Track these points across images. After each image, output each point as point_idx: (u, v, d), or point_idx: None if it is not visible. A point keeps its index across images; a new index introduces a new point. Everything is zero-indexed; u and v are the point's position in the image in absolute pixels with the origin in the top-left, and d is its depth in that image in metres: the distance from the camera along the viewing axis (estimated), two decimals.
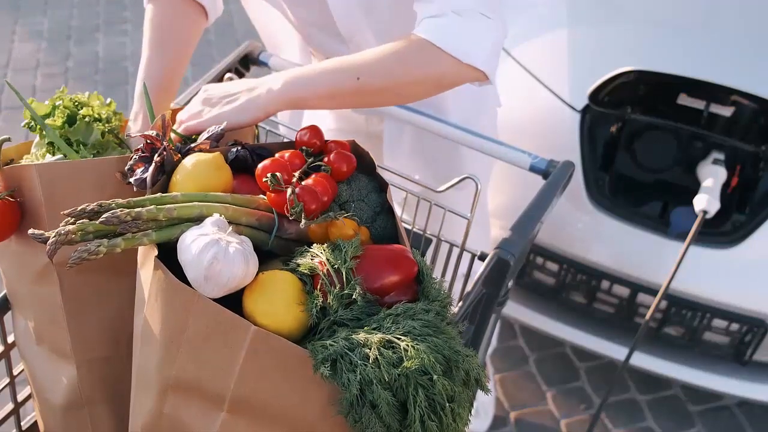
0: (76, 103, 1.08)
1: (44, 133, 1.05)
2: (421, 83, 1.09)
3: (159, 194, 0.86)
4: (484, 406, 2.11)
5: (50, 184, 0.95)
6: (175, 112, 1.17)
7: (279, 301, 0.80)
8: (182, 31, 1.24)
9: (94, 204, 0.82)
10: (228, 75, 1.35)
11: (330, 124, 1.61)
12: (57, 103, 1.07)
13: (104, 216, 0.79)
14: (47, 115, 1.07)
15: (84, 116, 1.06)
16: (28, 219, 0.98)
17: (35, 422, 1.19)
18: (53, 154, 1.04)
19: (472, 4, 1.06)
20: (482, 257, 1.17)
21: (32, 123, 1.06)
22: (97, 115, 1.07)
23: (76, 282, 1.00)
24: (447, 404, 0.76)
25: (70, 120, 1.05)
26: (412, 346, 0.76)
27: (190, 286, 0.78)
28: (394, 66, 1.06)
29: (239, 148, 0.99)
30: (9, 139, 0.97)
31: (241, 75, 1.44)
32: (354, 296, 0.80)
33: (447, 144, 1.35)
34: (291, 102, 1.04)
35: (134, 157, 0.94)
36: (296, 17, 1.33)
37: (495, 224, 1.88)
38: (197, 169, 0.91)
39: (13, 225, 0.98)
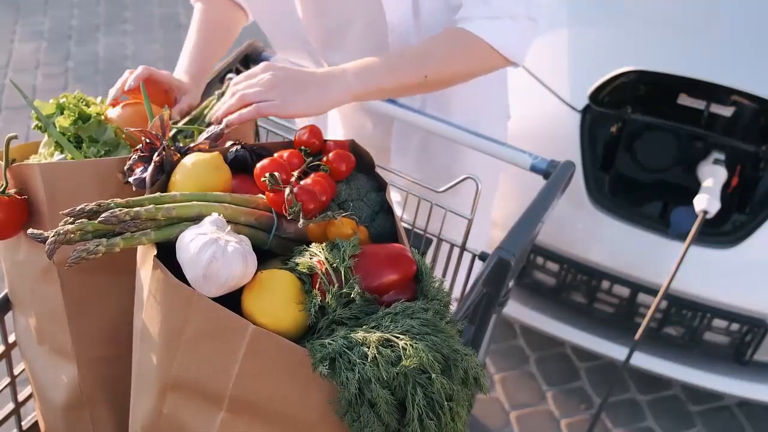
0: (82, 101, 1.08)
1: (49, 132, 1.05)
2: (471, 76, 1.20)
3: (158, 194, 0.86)
4: None
5: (52, 184, 0.96)
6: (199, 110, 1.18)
7: (278, 301, 0.80)
8: (225, 27, 1.33)
9: (93, 203, 0.82)
10: (229, 75, 1.35)
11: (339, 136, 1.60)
12: (61, 101, 1.07)
13: (103, 215, 0.79)
14: (52, 115, 1.07)
15: (97, 113, 1.06)
16: (33, 218, 0.99)
17: (36, 422, 1.20)
18: (62, 152, 1.05)
19: (524, 10, 1.15)
20: (483, 257, 1.17)
21: (41, 124, 1.06)
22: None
23: (78, 281, 1.00)
24: (445, 403, 0.76)
25: (83, 117, 1.06)
26: (410, 344, 0.76)
27: (189, 285, 0.79)
28: (460, 66, 1.17)
29: (238, 148, 0.99)
30: (16, 137, 0.97)
31: None
32: (352, 295, 0.80)
33: (452, 147, 1.36)
34: (357, 98, 1.06)
35: (133, 156, 0.94)
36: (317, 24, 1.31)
37: (495, 224, 1.88)
38: (196, 169, 0.91)
39: (19, 222, 0.98)
